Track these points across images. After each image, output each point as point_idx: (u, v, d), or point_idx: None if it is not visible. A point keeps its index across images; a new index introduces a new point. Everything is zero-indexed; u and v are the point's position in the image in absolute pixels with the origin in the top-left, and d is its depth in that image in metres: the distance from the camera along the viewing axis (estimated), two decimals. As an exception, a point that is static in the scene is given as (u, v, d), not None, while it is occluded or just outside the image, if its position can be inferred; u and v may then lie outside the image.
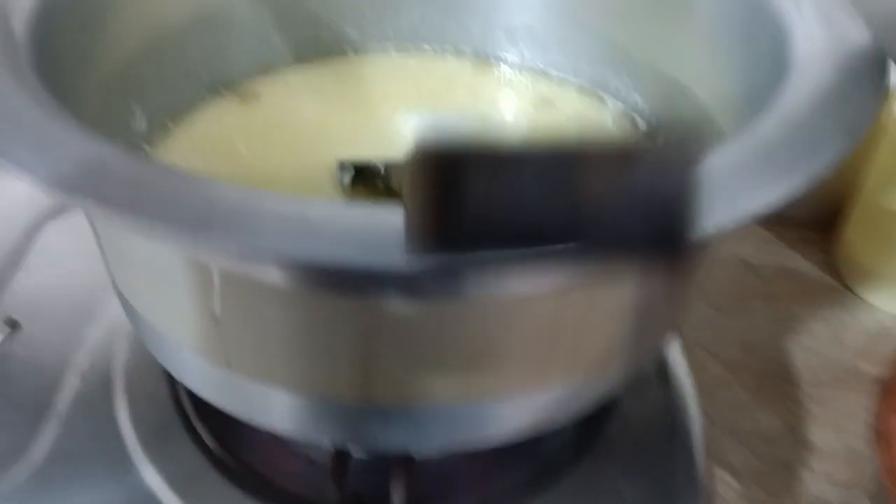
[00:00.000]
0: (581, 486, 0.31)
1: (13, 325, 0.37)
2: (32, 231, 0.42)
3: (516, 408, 0.25)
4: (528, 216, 0.06)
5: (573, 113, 0.38)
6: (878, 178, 0.51)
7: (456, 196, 0.06)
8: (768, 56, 0.27)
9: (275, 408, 0.24)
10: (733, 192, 0.18)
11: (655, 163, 0.06)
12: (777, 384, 0.49)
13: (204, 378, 0.25)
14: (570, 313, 0.22)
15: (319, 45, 0.40)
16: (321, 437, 0.25)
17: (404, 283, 0.19)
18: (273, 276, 0.20)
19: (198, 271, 0.21)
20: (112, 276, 0.27)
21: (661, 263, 0.06)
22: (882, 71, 0.23)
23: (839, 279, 0.55)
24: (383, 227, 0.17)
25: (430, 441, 0.25)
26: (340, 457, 0.28)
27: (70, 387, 0.34)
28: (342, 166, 0.32)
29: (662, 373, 0.36)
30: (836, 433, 0.46)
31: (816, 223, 0.58)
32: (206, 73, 0.37)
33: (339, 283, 0.19)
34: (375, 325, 0.21)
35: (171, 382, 0.34)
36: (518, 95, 0.39)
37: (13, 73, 0.22)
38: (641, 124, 0.36)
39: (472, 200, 0.06)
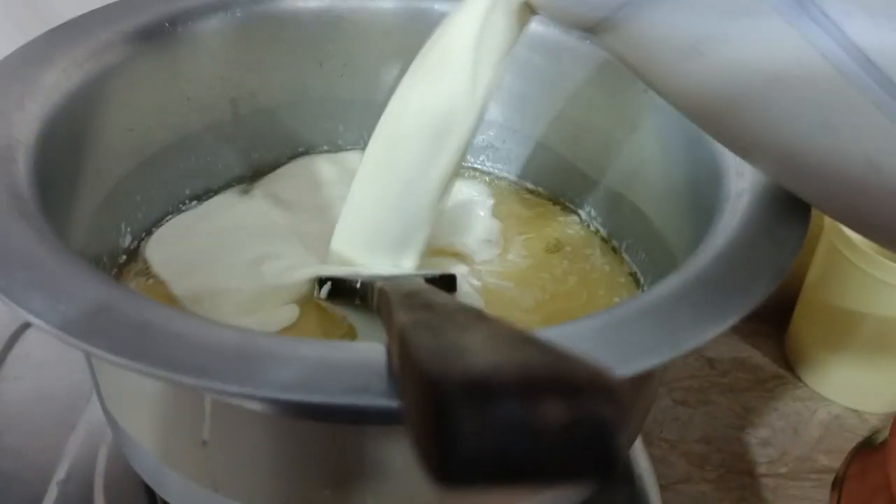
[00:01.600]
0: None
1: (-8, 435, 0.37)
2: (11, 339, 0.42)
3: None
4: (509, 452, 0.07)
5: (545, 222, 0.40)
6: (816, 274, 0.54)
7: (450, 431, 0.07)
8: (707, 186, 0.29)
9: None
10: (676, 328, 0.20)
11: (590, 390, 0.08)
12: (738, 476, 0.51)
13: (190, 499, 0.26)
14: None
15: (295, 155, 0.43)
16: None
17: (389, 418, 0.21)
18: (268, 408, 0.21)
19: (190, 400, 0.23)
20: (99, 394, 0.28)
21: (601, 482, 0.08)
22: (805, 206, 0.25)
23: (792, 371, 0.58)
24: (369, 366, 0.19)
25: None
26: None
27: (50, 499, 0.35)
28: (320, 281, 0.33)
29: (626, 471, 0.37)
30: (796, 526, 0.47)
31: (769, 316, 0.60)
32: (187, 188, 0.39)
33: (328, 415, 0.21)
34: (359, 450, 0.22)
35: (151, 495, 0.35)
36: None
37: (21, 213, 0.23)
38: (601, 231, 0.39)
39: (463, 435, 0.07)
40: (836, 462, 0.51)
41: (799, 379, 0.57)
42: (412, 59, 0.40)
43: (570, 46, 0.38)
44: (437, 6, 0.40)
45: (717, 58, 0.20)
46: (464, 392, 0.08)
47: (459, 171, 0.32)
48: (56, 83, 0.30)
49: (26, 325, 0.43)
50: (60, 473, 0.36)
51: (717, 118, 0.22)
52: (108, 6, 0.35)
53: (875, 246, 0.49)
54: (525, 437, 0.08)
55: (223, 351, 0.18)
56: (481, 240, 0.38)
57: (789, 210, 0.25)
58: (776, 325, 0.60)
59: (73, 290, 0.20)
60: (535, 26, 0.38)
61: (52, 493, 0.35)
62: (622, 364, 0.18)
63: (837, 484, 0.43)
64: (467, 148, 0.30)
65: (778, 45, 0.18)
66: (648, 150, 0.35)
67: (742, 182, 0.27)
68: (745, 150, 0.23)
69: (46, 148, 0.28)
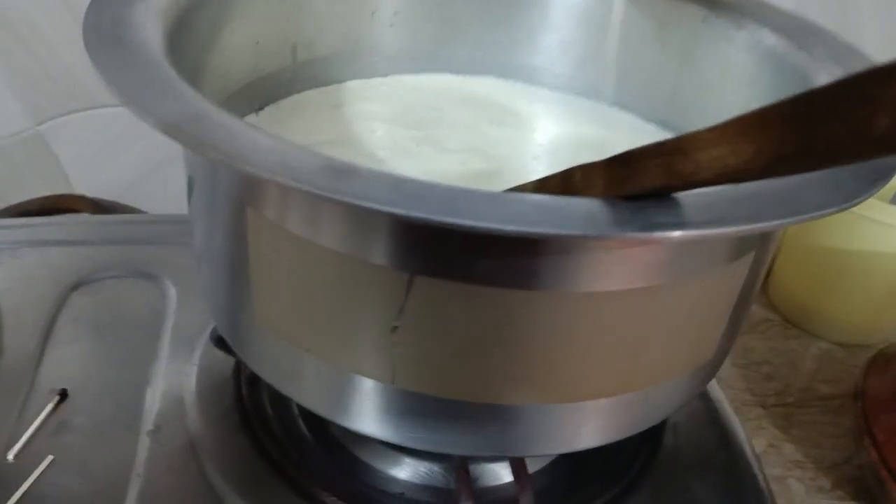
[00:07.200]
0: (659, 487, 0.33)
1: (62, 394, 0.36)
2: (58, 302, 0.41)
3: (636, 402, 0.27)
4: None
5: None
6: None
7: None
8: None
9: (429, 420, 0.26)
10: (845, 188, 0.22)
11: None
12: (751, 408, 0.54)
13: (361, 402, 0.26)
14: (692, 302, 0.25)
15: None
16: (473, 448, 0.27)
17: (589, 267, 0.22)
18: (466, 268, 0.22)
19: (388, 280, 0.23)
20: (238, 313, 0.28)
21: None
22: None
23: (779, 314, 0.62)
24: (589, 209, 0.20)
25: (562, 438, 0.27)
26: (464, 468, 0.29)
27: (143, 449, 0.33)
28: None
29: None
30: (813, 446, 0.51)
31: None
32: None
33: (551, 267, 0.22)
34: (551, 324, 0.23)
35: (252, 434, 0.34)
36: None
37: (151, 61, 0.24)
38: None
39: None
40: (835, 389, 0.56)
41: (787, 321, 0.62)
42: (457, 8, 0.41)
43: (618, -12, 0.40)
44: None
45: None
46: None
47: None
48: (166, 5, 0.30)
49: (72, 288, 0.42)
50: (148, 425, 0.35)
51: None
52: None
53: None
54: None
55: (440, 195, 0.19)
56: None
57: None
58: (759, 275, 0.65)
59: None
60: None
61: (145, 444, 0.34)
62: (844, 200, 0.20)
63: (858, 395, 0.47)
64: None
65: None
66: (707, 80, 0.38)
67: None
68: None
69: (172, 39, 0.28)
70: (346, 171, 0.20)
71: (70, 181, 0.56)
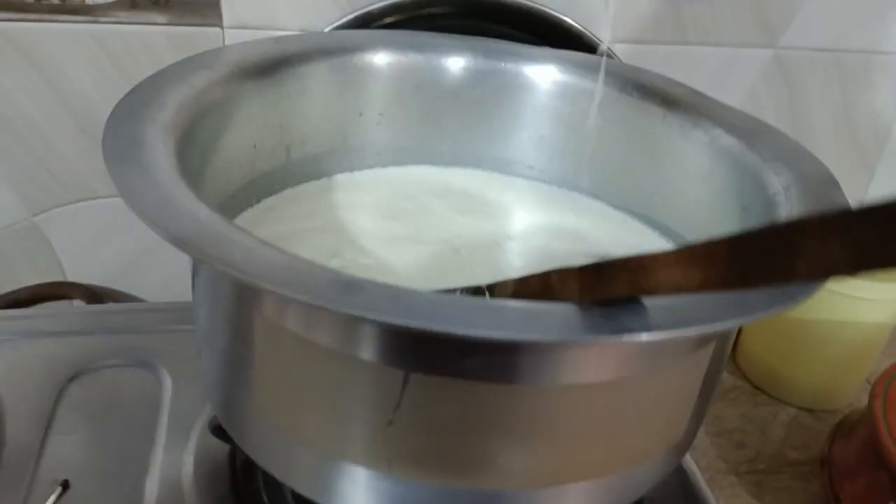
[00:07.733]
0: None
1: (64, 485, 0.37)
2: (57, 393, 0.42)
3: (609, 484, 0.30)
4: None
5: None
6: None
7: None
8: (744, 192, 0.35)
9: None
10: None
11: None
12: (725, 476, 0.56)
13: (356, 490, 0.28)
14: (660, 390, 0.28)
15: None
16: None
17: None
18: (459, 366, 0.24)
19: (387, 379, 0.25)
20: (237, 403, 0.30)
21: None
22: (839, 189, 0.32)
23: (749, 382, 0.65)
24: (570, 314, 0.22)
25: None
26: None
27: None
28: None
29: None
30: (784, 512, 0.53)
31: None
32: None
33: (509, 367, 0.24)
34: (544, 414, 0.26)
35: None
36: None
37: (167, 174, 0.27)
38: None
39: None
40: (803, 455, 0.58)
41: (756, 387, 0.64)
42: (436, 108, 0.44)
43: (584, 89, 0.43)
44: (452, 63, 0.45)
45: None
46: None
47: None
48: (173, 122, 0.32)
49: (71, 378, 0.43)
50: (147, 516, 0.36)
51: None
52: (181, 63, 0.37)
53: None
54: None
55: (435, 305, 0.22)
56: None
57: (829, 191, 0.31)
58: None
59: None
60: (553, 70, 0.44)
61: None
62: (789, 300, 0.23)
63: (825, 462, 0.49)
64: None
65: None
66: (667, 173, 0.41)
67: (782, 179, 0.33)
68: None
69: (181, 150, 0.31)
70: (350, 285, 0.22)
71: (64, 269, 0.57)
